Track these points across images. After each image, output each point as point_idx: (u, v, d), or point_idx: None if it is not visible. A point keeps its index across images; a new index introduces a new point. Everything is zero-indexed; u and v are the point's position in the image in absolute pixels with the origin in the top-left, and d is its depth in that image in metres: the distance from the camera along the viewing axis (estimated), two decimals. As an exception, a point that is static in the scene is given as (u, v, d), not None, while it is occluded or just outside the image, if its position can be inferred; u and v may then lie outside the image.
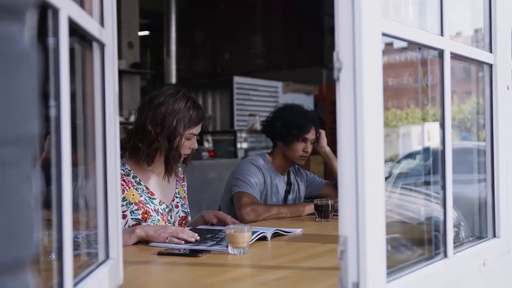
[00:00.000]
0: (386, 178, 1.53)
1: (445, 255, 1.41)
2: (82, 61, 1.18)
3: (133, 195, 2.07)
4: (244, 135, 6.83)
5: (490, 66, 1.72)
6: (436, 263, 1.39)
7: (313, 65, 8.58)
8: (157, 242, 1.88)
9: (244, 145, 6.80)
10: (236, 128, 7.15)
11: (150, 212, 2.08)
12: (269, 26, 9.49)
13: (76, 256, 0.96)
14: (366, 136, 1.05)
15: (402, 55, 1.66)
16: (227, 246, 1.74)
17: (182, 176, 2.33)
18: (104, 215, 1.22)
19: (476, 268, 1.58)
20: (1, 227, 0.58)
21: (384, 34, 1.14)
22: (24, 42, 0.62)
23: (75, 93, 1.05)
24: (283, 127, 2.72)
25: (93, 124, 1.21)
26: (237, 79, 7.55)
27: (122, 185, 2.05)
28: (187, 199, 2.32)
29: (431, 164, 1.61)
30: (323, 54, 8.59)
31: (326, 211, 2.44)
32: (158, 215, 2.10)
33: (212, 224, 2.26)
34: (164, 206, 2.15)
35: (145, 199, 2.09)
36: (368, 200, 1.06)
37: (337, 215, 1.46)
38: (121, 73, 7.01)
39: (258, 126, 6.56)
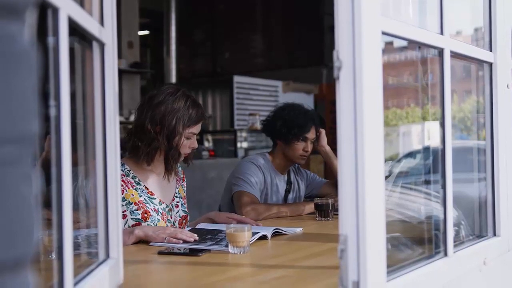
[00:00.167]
0: (386, 177, 1.53)
1: (445, 254, 1.41)
2: (82, 61, 1.18)
3: (133, 195, 2.07)
4: (244, 134, 6.82)
5: (490, 64, 1.72)
6: (436, 262, 1.39)
7: (313, 64, 8.58)
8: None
9: (244, 144, 6.80)
10: (236, 127, 7.15)
11: (150, 212, 2.08)
12: (269, 26, 9.49)
13: (76, 256, 0.96)
14: (366, 135, 1.05)
15: (402, 54, 1.66)
16: (226, 246, 1.74)
17: (182, 176, 2.33)
18: (104, 215, 1.22)
19: (476, 267, 1.58)
20: (1, 226, 0.58)
21: (384, 33, 1.14)
22: (24, 41, 0.62)
23: (75, 92, 1.05)
24: (283, 127, 2.72)
25: (93, 123, 1.20)
26: (237, 78, 7.55)
27: (122, 185, 2.04)
28: (186, 199, 2.32)
29: (431, 163, 1.61)
30: (323, 53, 8.59)
31: (326, 210, 2.44)
32: (158, 214, 2.10)
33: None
34: (164, 205, 2.15)
35: (144, 199, 2.09)
36: (368, 199, 1.06)
37: (337, 214, 1.46)
38: (121, 72, 7.02)
39: (258, 126, 6.55)
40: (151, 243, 1.89)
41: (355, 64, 1.06)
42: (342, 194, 1.07)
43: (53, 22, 0.87)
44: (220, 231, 2.01)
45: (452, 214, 1.42)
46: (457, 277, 1.47)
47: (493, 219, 1.72)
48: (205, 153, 5.97)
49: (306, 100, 7.31)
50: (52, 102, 0.87)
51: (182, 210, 2.24)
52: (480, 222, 1.77)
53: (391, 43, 1.34)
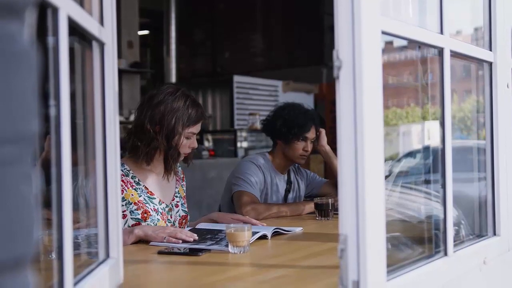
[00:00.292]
0: (386, 177, 1.53)
1: (445, 254, 1.41)
2: (82, 61, 1.18)
3: (132, 195, 2.07)
4: (244, 134, 6.82)
5: (490, 64, 1.72)
6: (436, 261, 1.39)
7: (313, 64, 8.58)
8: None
9: (244, 144, 6.80)
10: (236, 127, 7.15)
11: (149, 212, 2.08)
12: (269, 25, 9.49)
13: (76, 256, 0.96)
14: (366, 135, 1.05)
15: (402, 54, 1.66)
16: (226, 246, 1.74)
17: (181, 175, 2.33)
18: (104, 214, 1.22)
19: (476, 266, 1.58)
20: (1, 226, 0.58)
21: (384, 33, 1.14)
22: (23, 41, 0.62)
23: (75, 92, 1.05)
24: (283, 126, 2.72)
25: (93, 123, 1.20)
26: (237, 78, 7.55)
27: (121, 185, 2.04)
28: (186, 199, 2.32)
29: (431, 163, 1.61)
30: (323, 53, 8.59)
31: (326, 209, 2.44)
32: (158, 214, 2.10)
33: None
34: (164, 205, 2.15)
35: (144, 199, 2.09)
36: (368, 198, 1.06)
37: (337, 213, 1.46)
38: (121, 72, 7.01)
39: (258, 125, 6.55)
40: (151, 243, 1.89)
41: (355, 64, 1.06)
42: (342, 193, 1.07)
43: (53, 21, 0.87)
44: (220, 230, 2.01)
45: (452, 213, 1.42)
46: (457, 276, 1.47)
47: (493, 218, 1.72)
48: (205, 153, 5.97)
49: (306, 100, 7.30)
50: (52, 102, 0.87)
51: (182, 210, 2.24)
52: (480, 222, 1.77)
53: (391, 42, 1.34)
